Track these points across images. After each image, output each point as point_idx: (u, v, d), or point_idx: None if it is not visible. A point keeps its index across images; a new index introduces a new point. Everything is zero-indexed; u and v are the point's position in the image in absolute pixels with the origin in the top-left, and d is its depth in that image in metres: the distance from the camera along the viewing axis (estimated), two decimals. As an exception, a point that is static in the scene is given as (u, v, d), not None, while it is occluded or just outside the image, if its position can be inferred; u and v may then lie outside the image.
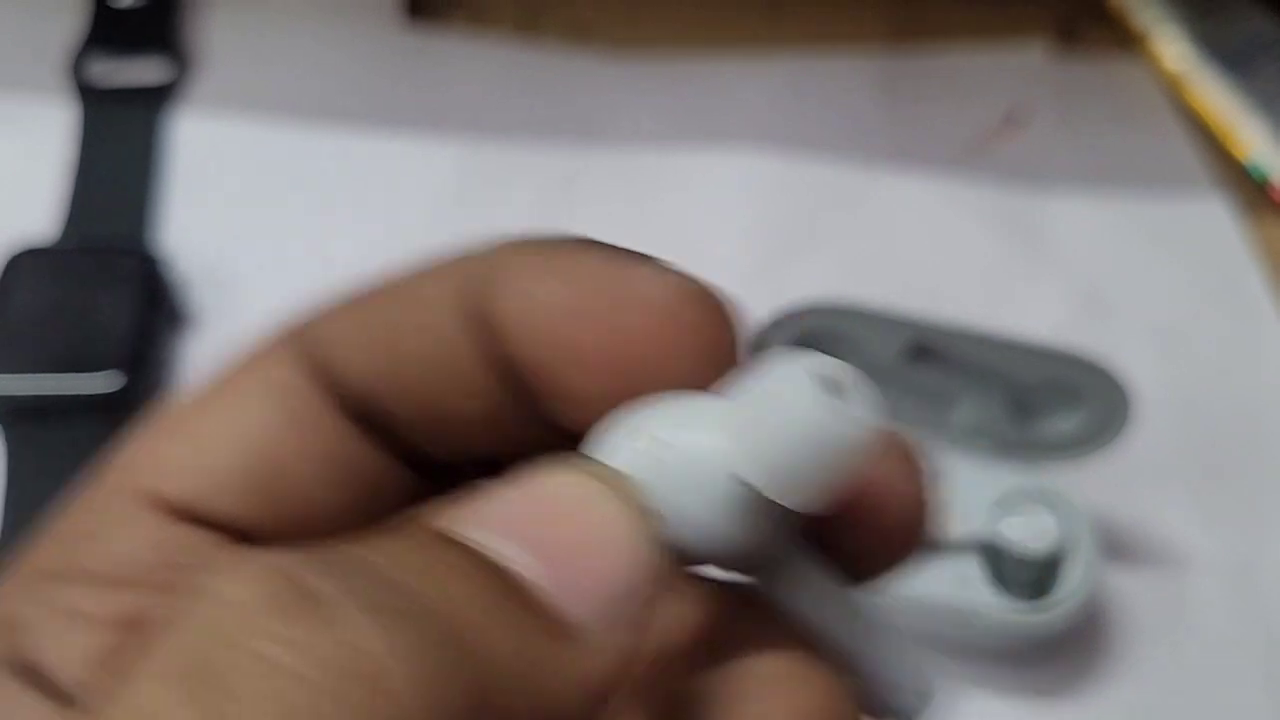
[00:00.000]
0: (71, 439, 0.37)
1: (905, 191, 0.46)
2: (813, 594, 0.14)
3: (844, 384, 0.12)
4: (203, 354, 0.40)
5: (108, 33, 0.47)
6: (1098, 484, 0.38)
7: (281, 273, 0.42)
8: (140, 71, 0.46)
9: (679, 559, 0.13)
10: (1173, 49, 0.50)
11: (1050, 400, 0.36)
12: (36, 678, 0.13)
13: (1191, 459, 0.40)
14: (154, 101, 0.46)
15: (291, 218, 0.44)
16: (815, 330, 0.35)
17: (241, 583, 0.11)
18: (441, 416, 0.15)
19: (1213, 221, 0.46)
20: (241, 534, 0.14)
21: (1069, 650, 0.36)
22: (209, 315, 0.41)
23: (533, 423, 0.15)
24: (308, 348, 0.15)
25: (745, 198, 0.45)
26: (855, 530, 0.14)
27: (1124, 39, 0.52)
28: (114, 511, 0.14)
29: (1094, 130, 0.49)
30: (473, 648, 0.11)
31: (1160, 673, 0.36)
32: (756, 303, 0.38)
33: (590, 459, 0.13)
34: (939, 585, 0.34)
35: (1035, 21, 0.52)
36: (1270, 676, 0.36)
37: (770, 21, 0.51)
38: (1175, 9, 0.51)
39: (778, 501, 0.12)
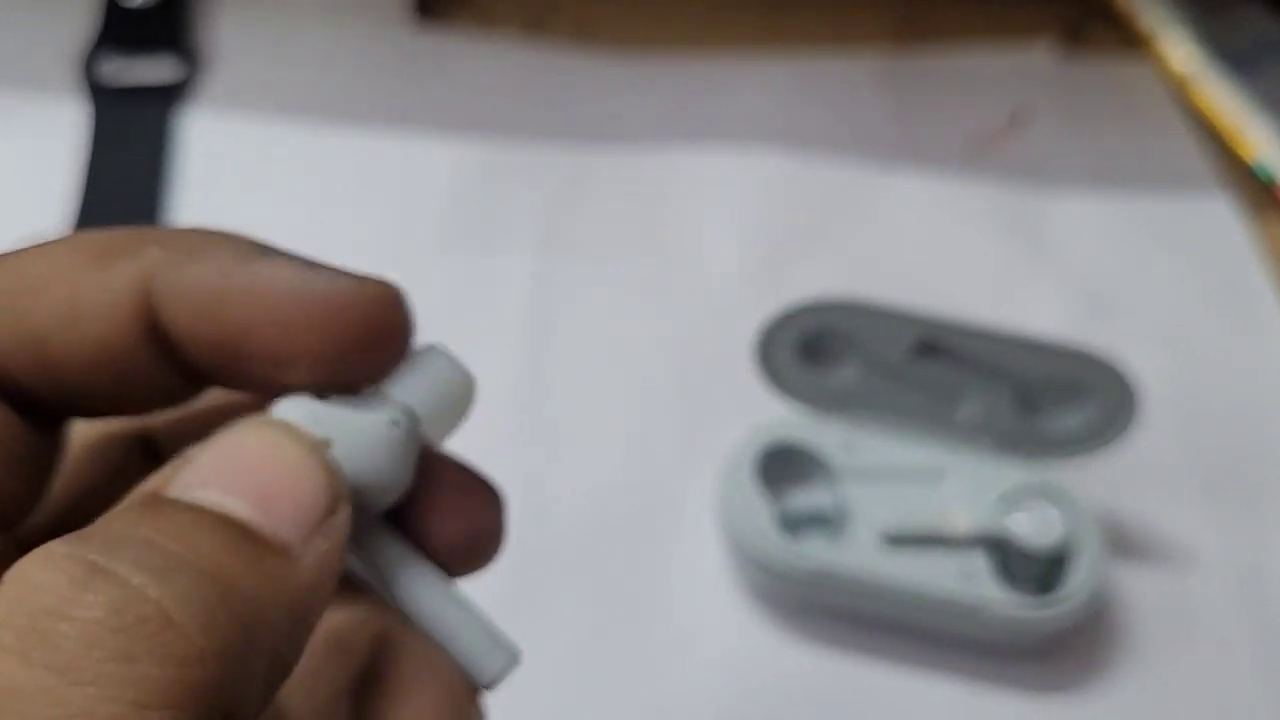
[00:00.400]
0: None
1: (911, 191, 0.46)
2: (408, 574, 0.17)
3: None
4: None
5: (119, 33, 0.47)
6: (1103, 480, 0.38)
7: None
8: (151, 71, 0.47)
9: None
10: (1179, 50, 0.50)
11: (1056, 397, 0.36)
12: None
13: (1196, 457, 0.40)
14: (165, 100, 0.46)
15: (300, 215, 0.44)
16: (821, 327, 0.35)
17: (48, 570, 0.13)
18: (80, 378, 0.16)
19: (1218, 221, 0.46)
20: None
21: (1074, 646, 0.36)
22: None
23: (161, 375, 0.17)
24: None
25: (751, 196, 0.45)
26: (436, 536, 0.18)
27: (1130, 40, 0.52)
28: None
29: (1100, 130, 0.49)
30: (224, 580, 0.14)
31: (1164, 669, 0.36)
32: (763, 300, 0.38)
33: (271, 419, 0.16)
34: (945, 580, 0.34)
35: (1041, 22, 0.52)
36: (1274, 674, 0.36)
37: (774, 23, 0.51)
38: (1182, 10, 0.51)
39: (423, 425, 0.17)
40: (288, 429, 0.15)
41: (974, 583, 0.34)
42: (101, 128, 0.45)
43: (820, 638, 0.36)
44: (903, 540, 0.35)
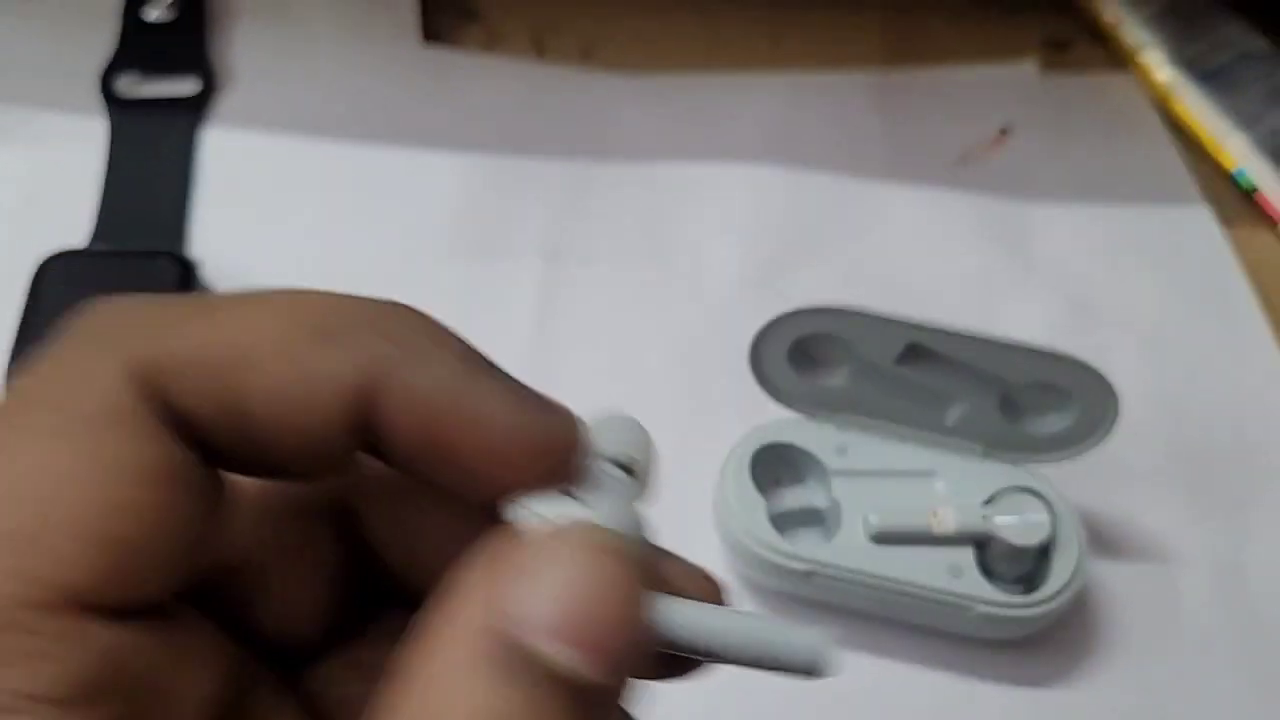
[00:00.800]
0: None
1: (901, 202, 0.48)
2: (697, 621, 0.17)
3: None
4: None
5: (138, 49, 0.48)
6: (1087, 481, 0.39)
7: (303, 279, 0.44)
8: (169, 86, 0.48)
9: None
10: (1162, 65, 0.51)
11: (1041, 400, 0.37)
12: None
13: (1177, 457, 0.42)
14: (182, 114, 0.47)
15: (313, 226, 0.45)
16: (813, 333, 0.36)
17: None
18: (277, 448, 0.16)
19: (1200, 230, 0.48)
20: (104, 607, 0.14)
21: (1058, 641, 0.37)
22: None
23: (352, 452, 0.17)
24: (156, 389, 0.15)
25: (748, 208, 0.47)
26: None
27: (1114, 55, 0.53)
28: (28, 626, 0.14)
29: (1084, 142, 0.50)
30: None
31: (1146, 664, 0.37)
32: (759, 307, 0.39)
33: (586, 532, 0.16)
34: (934, 576, 0.35)
35: (1028, 41, 0.53)
36: (1254, 668, 0.37)
37: (771, 45, 0.53)
38: (1164, 26, 0.52)
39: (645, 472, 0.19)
40: (613, 555, 0.15)
41: (961, 579, 0.35)
42: (121, 140, 0.46)
43: (813, 631, 0.37)
44: (892, 538, 0.36)
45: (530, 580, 0.15)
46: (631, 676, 0.15)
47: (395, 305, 0.17)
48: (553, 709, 0.14)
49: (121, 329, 0.15)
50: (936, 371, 0.37)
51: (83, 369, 0.15)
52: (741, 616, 0.18)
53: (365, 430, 0.16)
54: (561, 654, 0.14)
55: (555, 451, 0.17)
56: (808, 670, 0.18)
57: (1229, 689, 0.37)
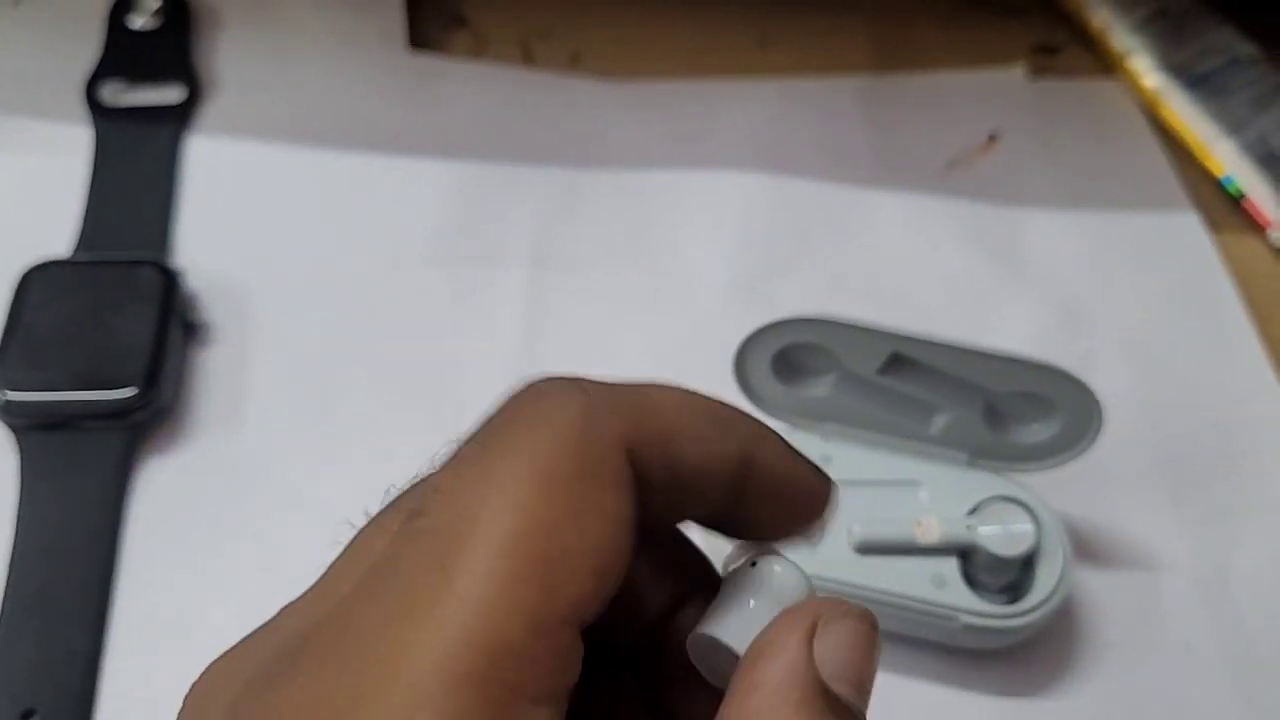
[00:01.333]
0: (88, 447, 0.39)
1: (888, 209, 0.48)
2: None
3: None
4: (215, 364, 0.42)
5: (123, 57, 0.48)
6: (1072, 490, 0.39)
7: (288, 286, 0.44)
8: (154, 94, 0.48)
9: None
10: (1150, 70, 0.51)
11: (1025, 410, 0.37)
12: None
13: (1163, 466, 0.42)
14: (167, 122, 0.47)
15: (299, 234, 0.45)
16: (797, 343, 0.36)
17: None
18: (675, 515, 0.21)
19: (1188, 235, 0.48)
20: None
21: (1043, 650, 0.37)
22: (220, 327, 0.43)
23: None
24: (633, 455, 0.19)
25: (734, 215, 0.47)
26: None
27: (1103, 60, 0.53)
28: (555, 639, 0.17)
29: (1072, 148, 0.50)
30: None
31: (1131, 672, 0.37)
32: (746, 314, 0.39)
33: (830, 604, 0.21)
34: (918, 586, 0.35)
35: (1016, 47, 0.53)
36: (1238, 677, 0.38)
37: (759, 51, 0.53)
38: (1153, 31, 0.52)
39: None
40: (865, 618, 0.21)
41: (945, 589, 0.35)
42: (106, 148, 0.46)
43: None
44: (877, 549, 0.36)
45: (832, 638, 0.20)
46: None
47: (745, 415, 0.22)
48: None
49: (608, 404, 0.19)
50: (920, 381, 0.37)
51: (591, 434, 0.19)
52: None
53: (737, 491, 0.21)
54: (850, 694, 0.20)
55: (829, 508, 0.23)
56: None
57: (1213, 697, 0.37)
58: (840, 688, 0.19)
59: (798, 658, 0.19)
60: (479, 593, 0.17)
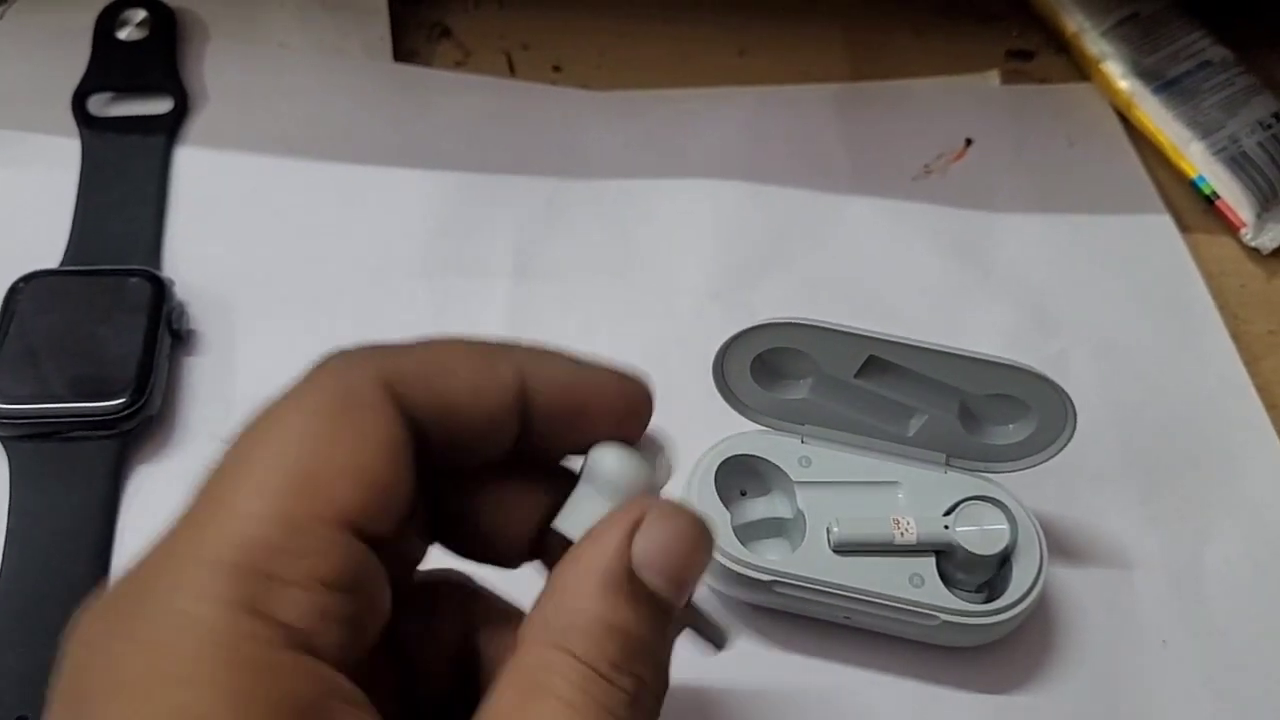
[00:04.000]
0: (78, 456, 0.39)
1: (865, 214, 0.48)
2: None
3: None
4: (203, 373, 0.42)
5: (110, 69, 0.49)
6: (1046, 489, 0.40)
7: (275, 296, 0.44)
8: (142, 106, 0.48)
9: None
10: (1123, 73, 0.52)
11: (1000, 411, 0.38)
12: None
13: (1136, 464, 0.42)
14: (155, 133, 0.47)
15: (286, 244, 0.46)
16: (775, 348, 0.37)
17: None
18: (470, 442, 0.24)
19: (1160, 237, 0.48)
20: (374, 536, 0.21)
21: (1019, 646, 0.38)
22: (208, 337, 0.43)
23: (514, 445, 0.24)
24: (393, 390, 0.23)
25: (714, 222, 0.47)
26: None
27: (1076, 65, 0.54)
28: (320, 533, 0.21)
29: (1046, 152, 0.51)
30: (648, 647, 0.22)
31: (1105, 667, 0.38)
32: (725, 320, 0.40)
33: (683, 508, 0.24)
34: (895, 587, 0.36)
35: (991, 53, 0.54)
36: (1211, 671, 0.38)
37: (737, 60, 0.53)
38: (1125, 35, 0.53)
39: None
40: (697, 522, 0.24)
41: (923, 588, 0.36)
42: (94, 161, 0.47)
43: (776, 640, 0.38)
44: (855, 548, 0.37)
45: (653, 531, 0.23)
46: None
47: (533, 344, 0.25)
48: (650, 620, 0.22)
49: (366, 354, 0.23)
50: (897, 384, 0.37)
51: (347, 375, 0.22)
52: None
53: (521, 410, 0.24)
54: (662, 585, 0.22)
55: (644, 404, 0.26)
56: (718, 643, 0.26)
57: (1187, 690, 0.38)
58: (649, 575, 0.22)
59: (612, 543, 0.22)
60: (244, 506, 0.20)
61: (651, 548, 0.22)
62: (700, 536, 0.23)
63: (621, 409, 0.25)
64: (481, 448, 0.24)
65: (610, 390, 0.25)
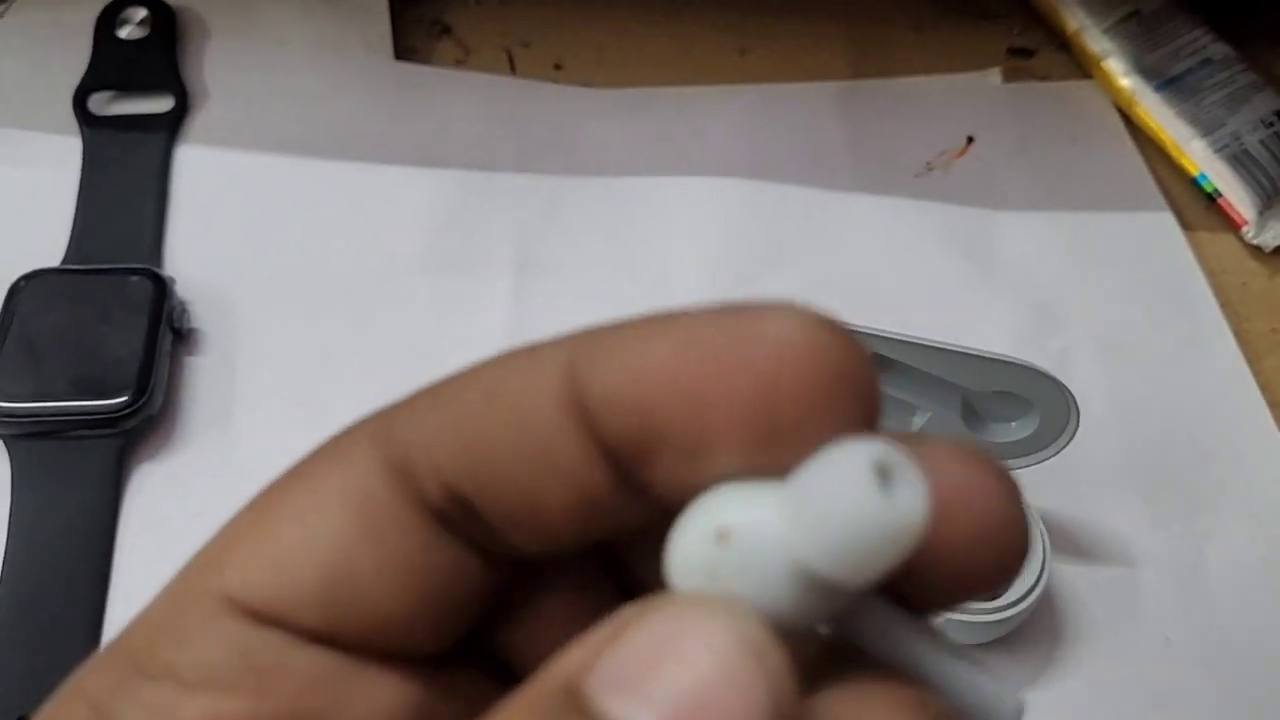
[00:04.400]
0: (79, 455, 0.39)
1: (867, 212, 0.48)
2: (891, 633, 0.15)
3: (896, 469, 0.13)
4: (204, 371, 0.42)
5: (112, 67, 0.49)
6: (1049, 487, 0.40)
7: (277, 294, 0.44)
8: (143, 103, 0.48)
9: None
10: (1124, 71, 0.52)
11: (1002, 408, 0.38)
12: None
13: (1139, 461, 0.42)
14: (156, 131, 0.47)
15: (287, 242, 0.46)
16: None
17: None
18: (535, 506, 0.15)
19: (1162, 235, 0.48)
20: (315, 635, 0.15)
21: (1021, 644, 0.38)
22: (209, 335, 0.43)
23: (629, 504, 0.15)
24: (391, 450, 0.15)
25: (716, 219, 0.47)
26: (942, 557, 0.14)
27: (1078, 63, 0.54)
28: (196, 612, 0.15)
29: (1047, 150, 0.51)
30: None
31: (1109, 664, 0.38)
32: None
33: (693, 600, 0.13)
34: (898, 583, 0.36)
35: (992, 50, 0.54)
36: (1215, 668, 0.38)
37: (739, 57, 0.53)
38: (1126, 32, 0.53)
39: (836, 581, 0.13)
40: (740, 633, 0.13)
41: (926, 585, 0.36)
42: (96, 158, 0.47)
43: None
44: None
45: (625, 647, 0.13)
46: None
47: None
48: None
49: (377, 422, 0.16)
50: (899, 381, 0.37)
51: (344, 456, 0.16)
52: (933, 647, 0.15)
53: (592, 432, 0.14)
54: (631, 714, 0.12)
55: (782, 368, 0.13)
56: None
57: (1191, 688, 0.38)
58: (619, 703, 0.12)
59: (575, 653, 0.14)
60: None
61: (624, 663, 0.13)
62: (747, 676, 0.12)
63: (754, 392, 0.13)
64: (549, 512, 0.15)
65: (743, 355, 0.13)
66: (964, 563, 0.14)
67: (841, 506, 0.13)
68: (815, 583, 0.13)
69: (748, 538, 0.13)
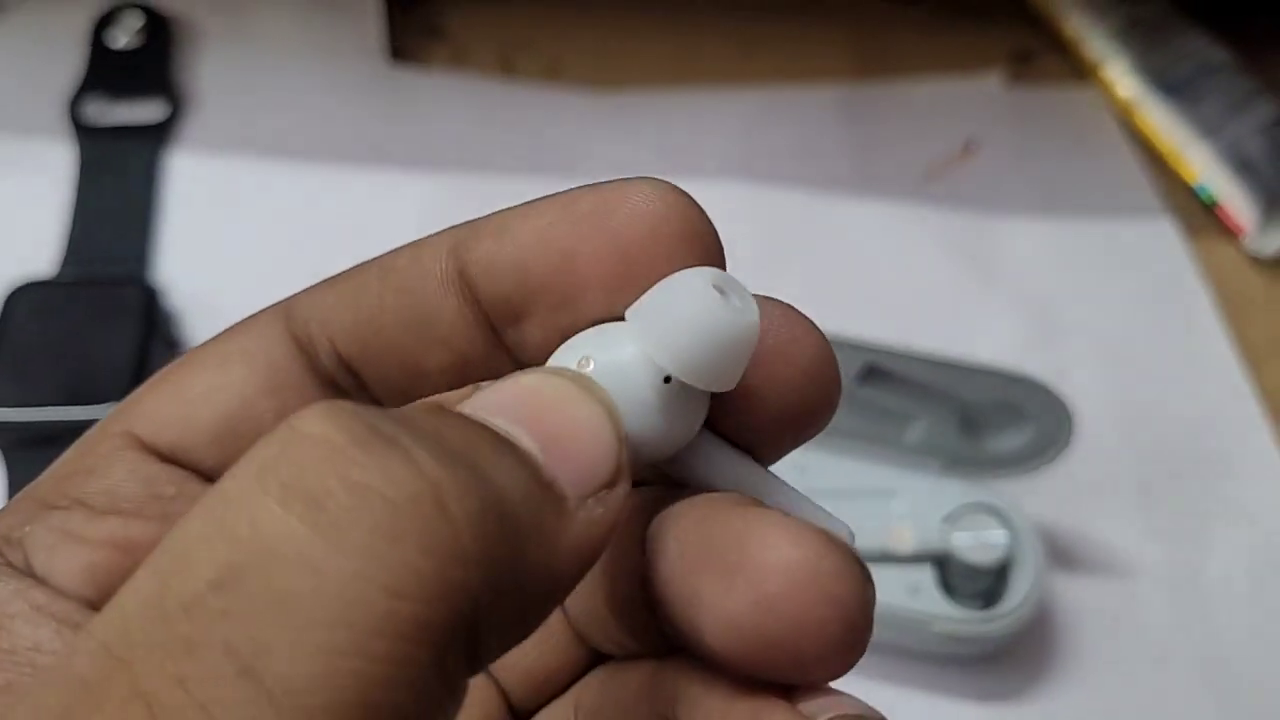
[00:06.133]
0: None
1: (866, 217, 0.48)
2: (726, 469, 0.17)
3: (730, 286, 0.15)
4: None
5: (105, 74, 0.49)
6: (1045, 497, 0.40)
7: (269, 301, 0.44)
8: (136, 111, 0.48)
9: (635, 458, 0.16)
10: (1124, 77, 0.52)
11: (997, 418, 0.38)
12: (40, 584, 0.15)
13: (1138, 471, 0.42)
14: (149, 139, 0.47)
15: (279, 249, 0.46)
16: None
17: (327, 422, 0.13)
18: (415, 371, 0.17)
19: (1162, 242, 0.48)
20: (217, 473, 0.16)
21: (1018, 656, 0.38)
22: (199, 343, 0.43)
23: (500, 367, 0.17)
24: (292, 323, 0.17)
25: (715, 224, 0.47)
26: (766, 396, 0.16)
27: (1077, 68, 0.54)
28: (105, 451, 0.16)
29: (1048, 155, 0.50)
30: (505, 502, 0.13)
31: (1105, 676, 0.38)
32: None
33: (562, 369, 0.15)
34: (894, 594, 0.36)
35: (993, 55, 0.54)
36: (1212, 681, 0.38)
37: (739, 60, 0.53)
38: (1126, 39, 0.52)
39: (694, 386, 0.15)
40: (586, 384, 0.15)
41: (921, 597, 0.36)
42: (88, 166, 0.47)
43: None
44: (852, 557, 0.36)
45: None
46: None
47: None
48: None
49: (282, 303, 0.18)
50: (895, 391, 0.37)
51: (254, 322, 0.18)
52: (771, 481, 0.17)
53: (466, 294, 0.17)
54: (515, 430, 0.14)
55: (633, 230, 0.16)
56: None
57: (1188, 701, 0.38)
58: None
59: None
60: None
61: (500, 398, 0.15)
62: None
63: (613, 249, 0.16)
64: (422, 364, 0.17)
65: (599, 224, 0.16)
66: (786, 397, 0.16)
67: (689, 311, 0.15)
68: (667, 394, 0.15)
69: (606, 356, 0.16)
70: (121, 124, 0.48)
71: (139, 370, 0.40)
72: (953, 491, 0.38)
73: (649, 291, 0.16)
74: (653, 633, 0.17)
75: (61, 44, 0.49)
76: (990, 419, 0.38)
